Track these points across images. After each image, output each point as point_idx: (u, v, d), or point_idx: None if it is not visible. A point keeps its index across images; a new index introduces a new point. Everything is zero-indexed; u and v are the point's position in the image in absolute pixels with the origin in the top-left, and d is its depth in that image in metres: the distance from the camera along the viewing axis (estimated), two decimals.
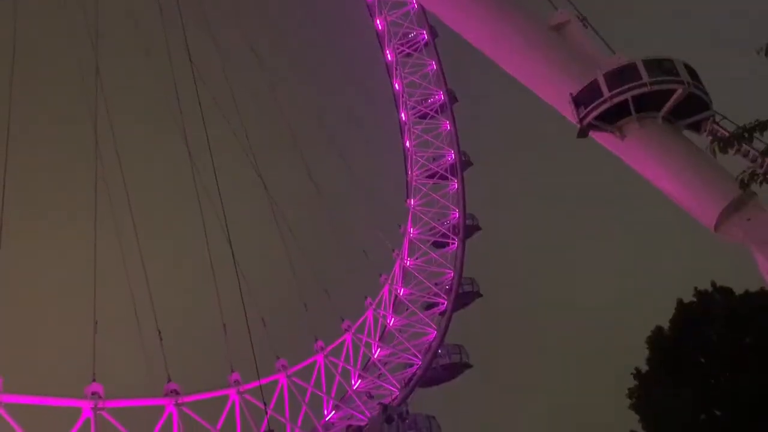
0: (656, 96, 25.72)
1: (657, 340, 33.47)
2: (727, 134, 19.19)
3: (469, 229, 60.84)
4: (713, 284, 33.39)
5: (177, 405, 34.28)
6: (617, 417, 38.06)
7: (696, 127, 26.50)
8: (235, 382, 39.07)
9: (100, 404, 31.02)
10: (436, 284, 57.90)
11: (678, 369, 30.58)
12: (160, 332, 34.53)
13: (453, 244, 59.93)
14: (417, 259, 59.78)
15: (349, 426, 44.43)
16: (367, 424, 43.63)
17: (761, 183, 12.37)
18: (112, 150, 37.58)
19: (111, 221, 35.88)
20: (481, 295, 58.97)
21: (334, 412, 48.14)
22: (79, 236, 39.72)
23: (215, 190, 35.52)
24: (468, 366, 53.96)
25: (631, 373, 34.42)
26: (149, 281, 36.39)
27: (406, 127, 65.61)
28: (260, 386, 39.24)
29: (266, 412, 39.32)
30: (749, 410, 26.87)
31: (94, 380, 31.54)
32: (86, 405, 30.70)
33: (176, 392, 34.58)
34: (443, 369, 52.62)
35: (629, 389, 34.24)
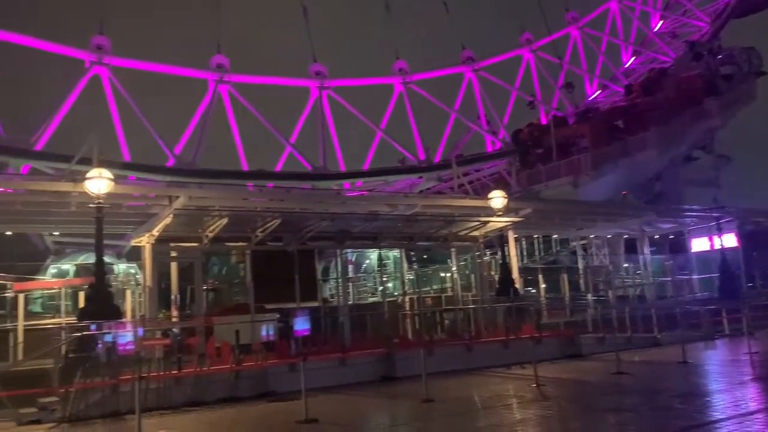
0: None
1: None
2: None
3: None
4: None
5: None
6: None
7: None
8: (526, 41, 39.06)
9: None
10: None
11: None
12: None
13: None
14: None
15: (652, 69, 42.32)
16: (671, 66, 41.02)
17: None
18: None
19: None
20: None
21: (634, 58, 46.02)
22: None
23: None
24: None
25: None
26: None
27: None
28: (552, 41, 38.94)
29: (562, 67, 39.47)
30: None
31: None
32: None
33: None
34: None
35: None
